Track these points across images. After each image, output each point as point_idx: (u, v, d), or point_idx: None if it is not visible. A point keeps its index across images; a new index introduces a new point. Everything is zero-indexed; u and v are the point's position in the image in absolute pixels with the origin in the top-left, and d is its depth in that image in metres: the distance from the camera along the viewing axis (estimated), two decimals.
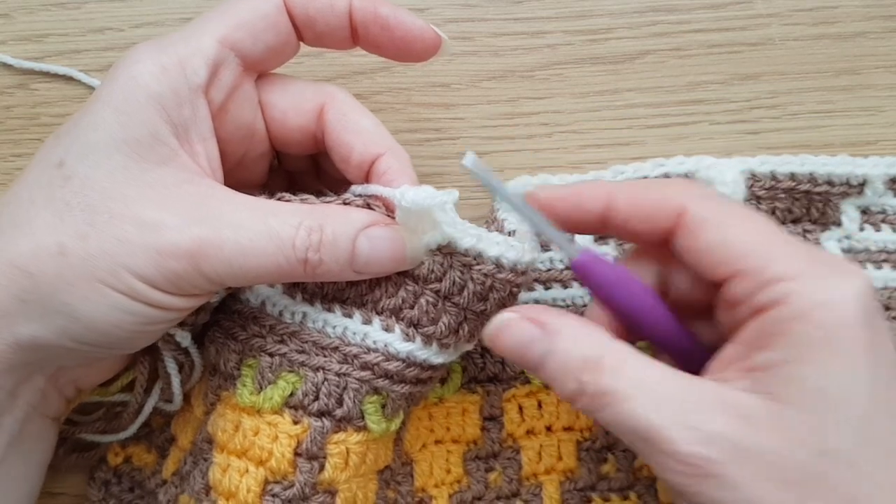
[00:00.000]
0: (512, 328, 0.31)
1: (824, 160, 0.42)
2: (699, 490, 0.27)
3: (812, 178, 0.41)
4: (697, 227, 0.31)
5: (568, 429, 0.41)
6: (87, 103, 0.32)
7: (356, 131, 0.35)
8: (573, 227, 0.33)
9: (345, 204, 0.34)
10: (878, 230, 0.43)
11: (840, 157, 0.42)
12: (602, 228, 0.33)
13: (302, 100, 0.36)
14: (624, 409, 0.28)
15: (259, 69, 0.35)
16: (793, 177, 0.41)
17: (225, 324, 0.37)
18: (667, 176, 0.42)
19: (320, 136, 0.36)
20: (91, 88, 0.44)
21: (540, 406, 0.42)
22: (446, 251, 0.33)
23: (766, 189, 0.41)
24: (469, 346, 0.37)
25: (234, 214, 0.31)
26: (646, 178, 0.42)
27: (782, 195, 0.41)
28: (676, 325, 0.32)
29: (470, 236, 0.33)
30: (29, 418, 0.34)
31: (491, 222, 0.38)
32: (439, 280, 0.33)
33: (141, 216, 0.30)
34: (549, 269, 0.42)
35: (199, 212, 0.31)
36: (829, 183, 0.41)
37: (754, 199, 0.41)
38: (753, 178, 0.41)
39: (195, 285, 0.31)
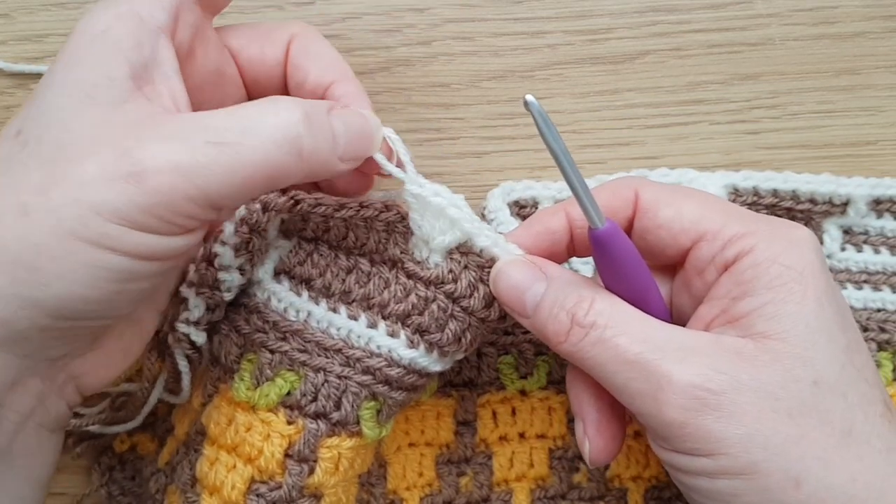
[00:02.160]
0: (514, 268, 0.32)
1: (807, 178, 0.42)
2: (699, 423, 0.27)
3: (795, 196, 0.41)
4: (653, 206, 0.32)
5: (541, 436, 0.41)
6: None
7: (315, 57, 0.35)
8: (549, 255, 0.33)
9: (361, 206, 0.34)
10: (859, 251, 0.43)
11: (823, 175, 0.42)
12: (572, 247, 0.34)
13: (273, 35, 0.36)
14: (619, 342, 0.29)
15: (214, 6, 0.35)
16: (775, 193, 0.41)
17: (231, 315, 0.36)
18: None
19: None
20: None
21: (514, 413, 0.41)
22: (463, 251, 0.33)
23: (748, 205, 0.41)
24: (459, 355, 0.36)
25: (205, 122, 0.29)
26: None
27: (764, 211, 0.41)
28: (668, 314, 0.33)
29: (486, 237, 0.33)
30: (21, 430, 0.32)
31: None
32: (455, 281, 0.33)
33: (102, 150, 0.27)
34: None
35: (166, 131, 0.28)
36: (812, 201, 0.41)
37: None
38: (736, 192, 0.41)
39: (177, 210, 0.28)
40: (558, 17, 0.44)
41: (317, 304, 0.34)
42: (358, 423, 0.34)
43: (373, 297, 0.34)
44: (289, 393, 0.34)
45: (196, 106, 0.32)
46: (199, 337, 0.36)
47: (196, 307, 0.34)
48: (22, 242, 0.27)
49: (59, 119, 0.29)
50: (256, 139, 0.28)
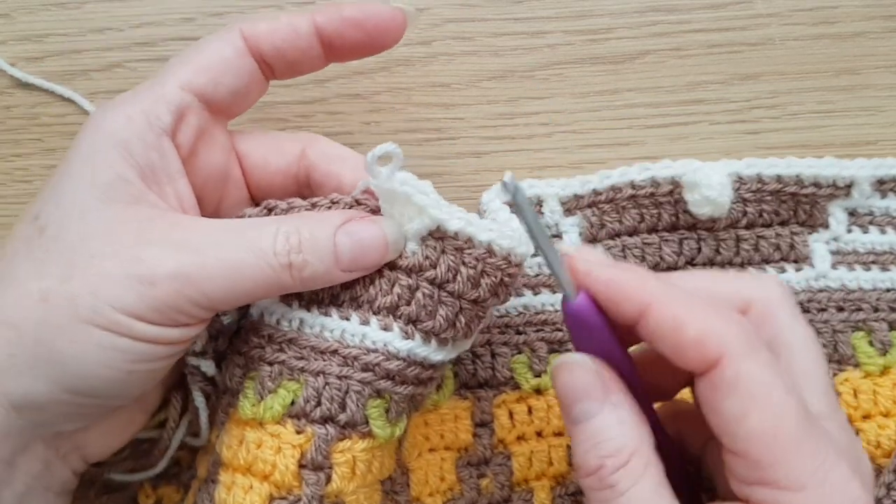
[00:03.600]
0: (581, 371, 0.30)
1: (810, 162, 0.41)
2: None
3: (799, 180, 0.41)
4: (728, 390, 0.28)
5: (558, 434, 0.41)
6: (62, 159, 0.33)
7: (340, 160, 0.36)
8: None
9: (332, 203, 0.34)
10: (865, 232, 0.43)
11: (826, 158, 0.42)
12: (628, 334, 0.31)
13: (281, 145, 0.37)
14: None
15: (226, 113, 0.36)
16: (779, 179, 0.41)
17: (234, 341, 0.36)
18: (654, 180, 0.41)
19: (303, 177, 0.37)
20: (87, 113, 0.44)
21: (530, 411, 0.41)
22: (437, 236, 0.33)
23: (752, 192, 0.41)
24: (466, 345, 0.36)
25: (212, 235, 0.31)
26: (632, 182, 0.41)
27: (769, 197, 0.41)
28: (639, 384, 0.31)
29: (458, 219, 0.32)
30: (31, 492, 0.33)
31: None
32: (434, 266, 0.33)
33: (120, 251, 0.30)
34: (537, 275, 0.42)
35: (177, 238, 0.31)
36: (816, 185, 0.41)
37: (741, 201, 0.41)
38: (740, 180, 0.41)
39: (182, 311, 0.31)
40: (558, 16, 0.44)
41: (308, 310, 0.34)
42: (367, 422, 0.34)
43: (360, 296, 0.34)
44: (293, 402, 0.33)
45: (197, 201, 0.35)
46: (209, 367, 0.36)
47: (199, 337, 0.35)
48: (42, 325, 0.30)
49: (78, 212, 0.31)
50: (254, 258, 0.31)
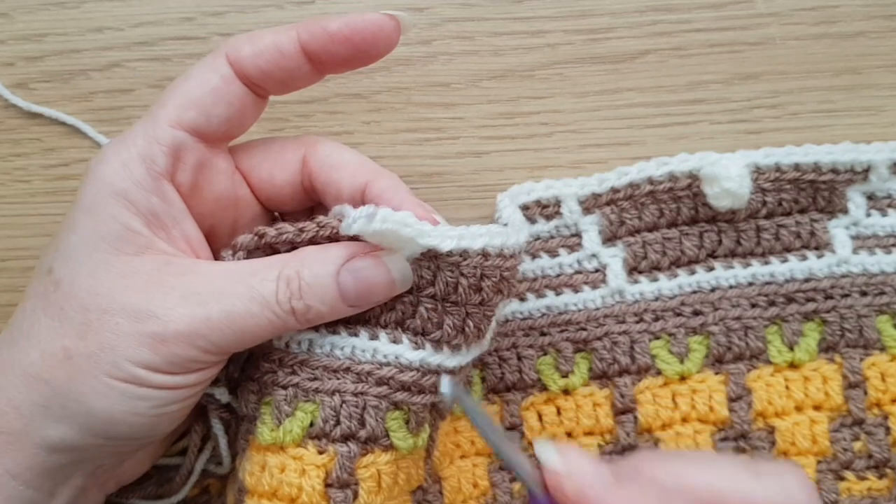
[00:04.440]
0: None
1: (828, 148, 0.41)
2: None
3: (816, 167, 0.41)
4: None
5: (589, 433, 0.41)
6: (69, 210, 0.34)
7: (340, 167, 0.35)
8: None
9: (319, 227, 0.33)
10: (884, 215, 0.43)
11: (843, 144, 0.42)
12: None
13: (283, 156, 0.36)
14: None
15: (223, 140, 0.35)
16: (797, 167, 0.41)
17: (246, 368, 0.36)
18: (672, 175, 0.41)
19: (309, 186, 0.36)
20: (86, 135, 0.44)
21: (559, 412, 0.41)
22: (431, 255, 0.33)
23: (770, 181, 0.41)
24: (483, 346, 0.36)
25: (216, 284, 0.32)
26: (651, 178, 0.42)
27: (787, 186, 0.41)
28: None
29: (449, 239, 0.32)
30: None
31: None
32: (432, 284, 0.33)
33: (129, 307, 0.31)
34: (559, 275, 0.42)
35: (183, 290, 0.31)
36: (834, 171, 0.41)
37: (760, 191, 0.41)
38: (758, 170, 0.41)
39: (196, 361, 0.32)
40: (558, 16, 0.44)
41: (316, 331, 0.34)
42: (387, 435, 0.34)
43: (366, 312, 0.34)
44: (311, 423, 0.33)
45: (210, 229, 0.36)
46: (223, 395, 0.36)
47: None
48: (69, 382, 0.31)
49: (87, 268, 0.32)
50: (257, 307, 0.31)
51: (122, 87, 0.44)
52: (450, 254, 0.32)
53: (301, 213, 0.39)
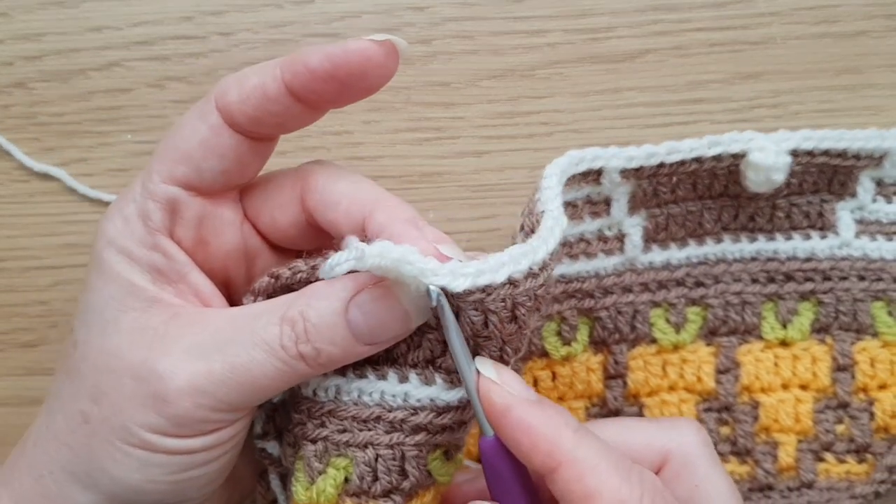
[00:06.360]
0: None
1: (858, 134, 0.40)
2: None
3: (843, 153, 0.40)
4: None
5: (579, 397, 0.41)
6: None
7: (333, 205, 0.32)
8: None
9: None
10: (889, 202, 0.42)
11: (870, 130, 0.40)
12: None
13: (281, 197, 0.34)
14: None
15: (224, 191, 0.33)
16: (826, 152, 0.40)
17: (290, 415, 0.34)
18: (719, 155, 0.39)
19: (314, 223, 0.34)
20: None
21: (554, 377, 0.41)
22: (447, 294, 0.29)
23: (801, 164, 0.40)
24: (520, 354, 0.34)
25: (221, 333, 0.30)
26: (699, 157, 0.39)
27: (813, 169, 0.40)
28: None
29: (463, 277, 0.28)
30: None
31: (526, 215, 0.33)
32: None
33: (133, 365, 0.30)
34: (579, 241, 0.41)
35: (186, 343, 0.30)
36: (857, 157, 0.40)
37: (790, 174, 0.40)
38: (795, 154, 0.39)
39: (206, 421, 0.30)
40: (559, 15, 0.44)
41: (343, 375, 0.31)
42: (430, 475, 0.32)
43: (393, 350, 0.31)
44: (347, 480, 0.30)
45: (226, 280, 0.34)
46: (274, 448, 0.34)
47: (258, 420, 0.34)
48: (87, 448, 0.30)
49: (99, 327, 0.31)
50: (263, 354, 0.29)
51: (120, 86, 0.44)
52: (468, 293, 0.28)
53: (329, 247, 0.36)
